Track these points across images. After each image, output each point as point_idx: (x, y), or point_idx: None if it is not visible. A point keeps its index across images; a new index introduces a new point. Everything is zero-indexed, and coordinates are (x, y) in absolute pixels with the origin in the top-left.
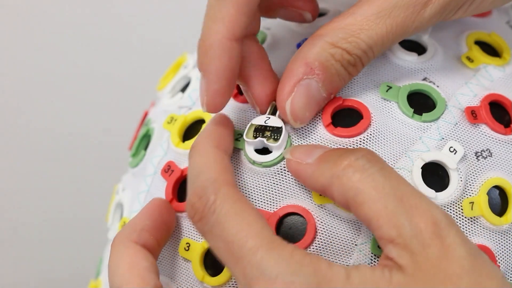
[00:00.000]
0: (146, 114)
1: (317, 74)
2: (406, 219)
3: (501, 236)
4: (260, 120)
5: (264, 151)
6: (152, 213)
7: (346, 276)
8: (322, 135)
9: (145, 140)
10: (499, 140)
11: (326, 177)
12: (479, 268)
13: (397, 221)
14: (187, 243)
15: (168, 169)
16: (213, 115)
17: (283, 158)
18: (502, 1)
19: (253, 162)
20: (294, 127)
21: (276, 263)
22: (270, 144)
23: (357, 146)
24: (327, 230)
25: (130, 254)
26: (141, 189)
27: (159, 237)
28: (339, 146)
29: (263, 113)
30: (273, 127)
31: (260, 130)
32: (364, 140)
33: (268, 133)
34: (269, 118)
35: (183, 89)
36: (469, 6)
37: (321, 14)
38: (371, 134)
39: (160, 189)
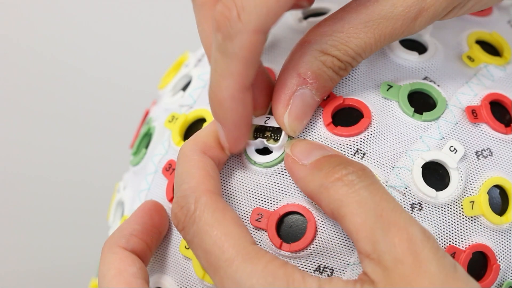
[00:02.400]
0: (147, 113)
1: (311, 83)
2: (381, 234)
3: (502, 235)
4: (260, 120)
5: (265, 150)
6: (141, 216)
7: None
8: (323, 134)
9: (146, 139)
10: (499, 140)
11: (316, 185)
12: (452, 283)
13: (373, 236)
14: None
15: (169, 167)
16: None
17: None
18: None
19: (254, 163)
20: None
21: (249, 275)
22: (270, 145)
23: (357, 145)
24: (327, 229)
25: (118, 260)
26: (142, 187)
27: (150, 241)
28: (339, 145)
29: (257, 115)
30: (273, 127)
31: (260, 130)
32: (364, 139)
33: (268, 133)
34: (269, 118)
35: (184, 88)
36: (460, 10)
37: (322, 13)
38: (371, 133)
39: (161, 187)
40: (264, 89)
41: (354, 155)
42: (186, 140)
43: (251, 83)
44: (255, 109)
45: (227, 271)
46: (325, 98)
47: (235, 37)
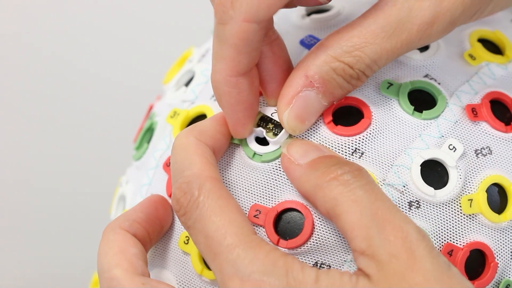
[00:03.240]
0: (151, 108)
1: (317, 87)
2: (376, 232)
3: (500, 233)
4: (267, 110)
5: (264, 140)
6: (147, 207)
7: (315, 279)
8: (323, 133)
9: (148, 134)
10: (499, 138)
11: (311, 185)
12: (446, 281)
13: (368, 234)
14: (186, 237)
15: (170, 163)
16: (216, 112)
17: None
18: (509, 4)
19: (253, 155)
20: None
21: (250, 262)
22: (268, 137)
23: (357, 144)
24: (325, 226)
25: (120, 240)
26: (143, 182)
27: (151, 232)
28: (338, 144)
29: (271, 105)
30: (277, 121)
31: (265, 120)
32: (364, 138)
33: (271, 126)
34: (276, 111)
35: (187, 83)
36: (480, 14)
37: (325, 10)
38: (371, 133)
39: (162, 183)
40: (281, 80)
41: (352, 154)
42: (182, 130)
43: (247, 69)
44: (268, 97)
45: (228, 256)
46: (334, 103)
47: (227, 24)
